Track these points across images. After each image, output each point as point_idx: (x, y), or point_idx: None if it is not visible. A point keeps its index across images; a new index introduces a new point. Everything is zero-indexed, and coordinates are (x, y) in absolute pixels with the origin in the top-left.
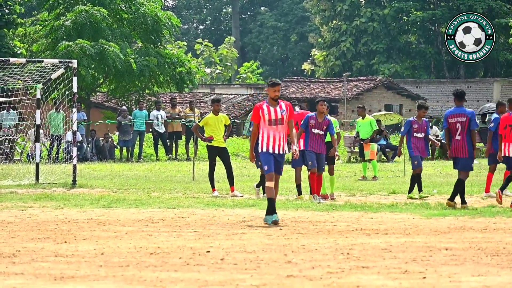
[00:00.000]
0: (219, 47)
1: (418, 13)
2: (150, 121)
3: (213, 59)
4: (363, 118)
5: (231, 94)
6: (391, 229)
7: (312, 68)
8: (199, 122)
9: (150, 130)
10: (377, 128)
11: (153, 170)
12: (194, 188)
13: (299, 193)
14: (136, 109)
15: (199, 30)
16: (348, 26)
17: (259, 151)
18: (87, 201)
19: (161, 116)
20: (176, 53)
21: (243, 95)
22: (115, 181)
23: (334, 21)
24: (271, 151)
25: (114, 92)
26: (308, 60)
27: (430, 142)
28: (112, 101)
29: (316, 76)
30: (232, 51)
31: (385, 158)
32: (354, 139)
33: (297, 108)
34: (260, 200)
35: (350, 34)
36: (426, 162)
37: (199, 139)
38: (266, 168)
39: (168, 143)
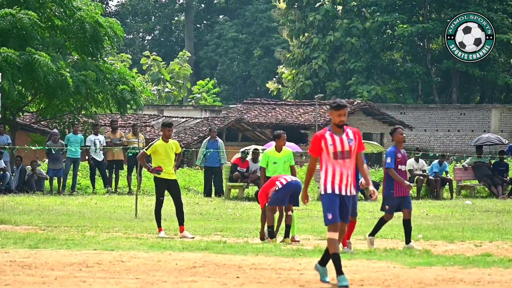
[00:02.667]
0: (170, 62)
1: (405, 26)
2: (86, 147)
3: (162, 76)
4: None
5: (183, 118)
6: (367, 279)
7: (279, 88)
8: (146, 149)
9: (86, 157)
10: None
11: (88, 205)
12: (136, 227)
13: (271, 236)
14: (69, 132)
15: (146, 41)
16: (321, 40)
17: (321, 192)
18: (10, 240)
19: (99, 141)
20: (118, 67)
21: (196, 118)
22: (43, 217)
23: (305, 34)
24: (337, 192)
25: (44, 112)
26: (274, 79)
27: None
28: (42, 122)
29: (283, 98)
30: (185, 66)
31: (362, 196)
32: None
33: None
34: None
35: (324, 49)
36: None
37: (144, 169)
38: (330, 216)
39: (107, 174)
